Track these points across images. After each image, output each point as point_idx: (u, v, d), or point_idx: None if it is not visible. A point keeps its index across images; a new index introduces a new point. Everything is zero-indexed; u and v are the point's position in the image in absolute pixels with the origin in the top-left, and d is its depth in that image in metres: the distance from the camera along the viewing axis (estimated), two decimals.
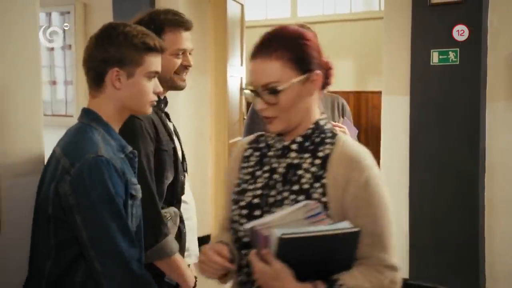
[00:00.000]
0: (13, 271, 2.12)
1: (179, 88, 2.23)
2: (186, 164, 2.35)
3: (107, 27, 1.76)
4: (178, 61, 2.17)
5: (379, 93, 4.68)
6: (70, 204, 1.61)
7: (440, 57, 4.04)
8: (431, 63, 4.07)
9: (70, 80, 5.80)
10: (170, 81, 2.17)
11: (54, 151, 1.75)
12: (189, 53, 2.23)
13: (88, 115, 1.76)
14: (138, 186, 1.77)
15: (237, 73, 6.04)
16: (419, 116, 4.20)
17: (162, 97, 2.21)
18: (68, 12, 5.68)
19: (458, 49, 3.98)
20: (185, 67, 2.21)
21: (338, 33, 8.35)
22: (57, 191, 1.63)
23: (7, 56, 2.07)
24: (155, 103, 1.85)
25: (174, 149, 2.20)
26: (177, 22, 2.17)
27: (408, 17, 4.18)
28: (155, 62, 1.78)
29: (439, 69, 4.06)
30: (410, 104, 4.23)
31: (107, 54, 1.71)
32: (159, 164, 2.08)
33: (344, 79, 8.43)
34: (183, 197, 2.30)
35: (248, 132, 2.66)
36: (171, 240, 2.08)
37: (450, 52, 4.00)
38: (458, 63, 3.98)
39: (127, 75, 1.73)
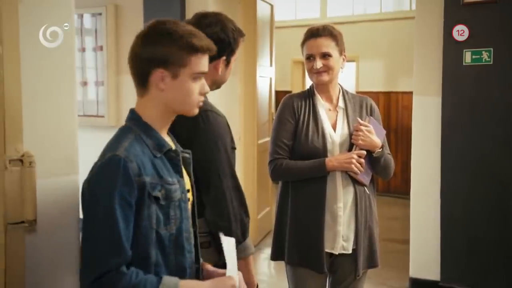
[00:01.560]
0: (46, 265, 2.16)
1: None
2: None
3: (155, 25, 1.72)
4: None
5: (410, 93, 4.64)
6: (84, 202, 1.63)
7: (473, 57, 3.98)
8: (464, 63, 4.02)
9: (101, 80, 5.86)
10: (221, 85, 2.26)
11: None
12: None
13: (130, 115, 1.77)
14: (175, 187, 1.71)
15: (267, 73, 6.05)
16: (451, 116, 4.15)
17: None
18: (100, 14, 5.74)
19: (491, 49, 3.92)
20: None
21: (368, 33, 8.31)
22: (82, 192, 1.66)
23: (42, 57, 2.10)
24: (201, 104, 1.80)
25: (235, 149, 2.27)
26: (242, 34, 2.24)
27: (440, 16, 4.14)
28: (201, 63, 1.73)
29: (472, 69, 4.01)
30: (441, 104, 4.18)
31: (152, 54, 1.68)
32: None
33: (374, 79, 8.38)
34: None
35: (276, 133, 2.67)
36: (249, 239, 2.12)
37: (483, 52, 3.95)
38: (491, 63, 3.93)
39: (171, 75, 1.69)
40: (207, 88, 1.79)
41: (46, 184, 2.11)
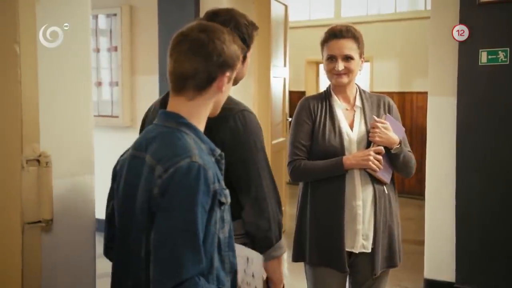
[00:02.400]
0: (62, 264, 2.17)
1: None
2: None
3: (214, 29, 1.70)
4: None
5: (424, 93, 4.61)
6: (157, 207, 1.57)
7: (489, 57, 3.95)
8: (480, 63, 4.00)
9: (115, 81, 5.89)
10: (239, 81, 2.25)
11: (140, 157, 1.70)
12: None
13: (175, 119, 1.70)
14: (227, 191, 1.68)
15: (281, 74, 6.04)
16: (466, 117, 4.12)
17: None
18: (115, 14, 5.77)
19: (508, 49, 3.89)
20: None
21: (383, 34, 8.28)
22: (150, 198, 1.60)
23: (59, 57, 2.12)
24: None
25: None
26: (256, 27, 2.21)
27: (455, 16, 4.11)
28: None
29: (488, 69, 3.98)
30: (457, 105, 4.15)
31: (223, 58, 1.67)
32: None
33: (388, 79, 8.35)
34: None
35: (294, 135, 2.67)
36: (283, 237, 2.12)
37: (499, 52, 3.92)
38: (508, 63, 3.90)
39: (230, 78, 1.73)
40: None
41: (62, 184, 2.12)
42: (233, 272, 1.74)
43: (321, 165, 2.58)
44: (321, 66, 9.24)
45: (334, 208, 2.57)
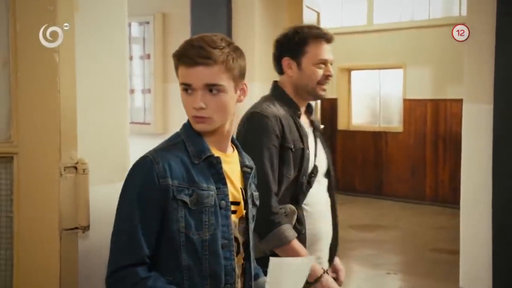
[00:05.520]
0: (98, 270, 2.20)
1: (319, 97, 2.40)
2: (331, 174, 2.50)
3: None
4: (321, 71, 2.33)
5: (459, 100, 4.55)
6: None
7: None
8: None
9: (148, 88, 5.94)
10: (312, 90, 2.34)
11: None
12: (330, 64, 2.36)
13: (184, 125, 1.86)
14: (208, 192, 1.70)
15: None
16: (503, 125, 4.04)
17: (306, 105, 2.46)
18: (148, 22, 5.83)
19: None
20: (326, 77, 2.35)
21: (416, 40, 8.19)
22: None
23: (96, 65, 2.15)
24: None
25: (303, 150, 2.32)
26: (319, 35, 2.32)
27: (492, 21, 4.04)
28: None
29: None
30: (493, 112, 4.08)
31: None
32: (280, 159, 2.26)
33: (422, 86, 8.26)
34: (305, 202, 2.37)
35: None
36: (286, 229, 2.19)
37: None
38: None
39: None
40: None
41: (98, 191, 2.14)
42: (214, 278, 1.71)
43: None
44: (353, 73, 9.21)
45: None
